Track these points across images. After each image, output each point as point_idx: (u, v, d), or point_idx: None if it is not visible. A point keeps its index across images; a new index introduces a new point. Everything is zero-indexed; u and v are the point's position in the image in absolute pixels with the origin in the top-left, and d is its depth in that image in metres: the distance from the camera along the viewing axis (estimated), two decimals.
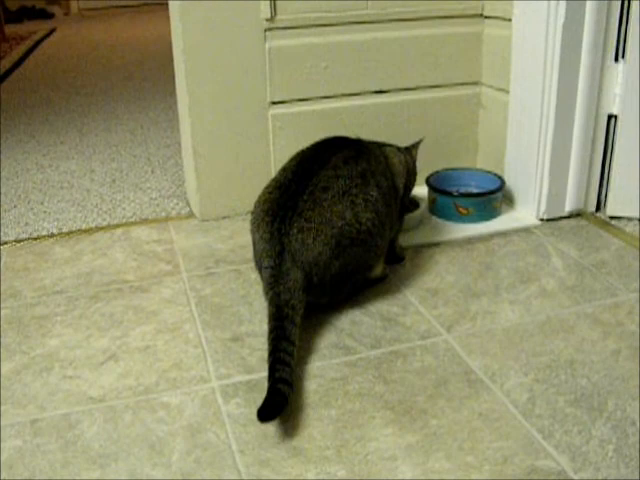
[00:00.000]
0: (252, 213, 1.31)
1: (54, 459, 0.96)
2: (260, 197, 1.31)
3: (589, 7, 1.49)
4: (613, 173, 1.62)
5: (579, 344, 1.17)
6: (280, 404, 0.99)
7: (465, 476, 0.90)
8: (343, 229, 1.22)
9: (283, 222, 1.21)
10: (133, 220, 1.75)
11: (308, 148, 1.37)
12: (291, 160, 1.36)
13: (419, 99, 1.79)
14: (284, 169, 1.33)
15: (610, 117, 1.60)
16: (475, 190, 1.71)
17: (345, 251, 1.22)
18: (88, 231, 1.69)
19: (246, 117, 1.66)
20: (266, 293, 1.19)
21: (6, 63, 4.26)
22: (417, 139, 1.55)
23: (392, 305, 1.31)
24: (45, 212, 1.82)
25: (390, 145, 1.48)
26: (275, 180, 1.31)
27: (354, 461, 0.93)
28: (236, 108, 1.65)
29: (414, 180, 1.53)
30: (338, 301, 1.30)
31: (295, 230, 1.20)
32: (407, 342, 1.20)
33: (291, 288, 1.17)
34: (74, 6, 7.18)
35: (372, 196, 1.26)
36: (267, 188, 1.31)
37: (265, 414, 0.97)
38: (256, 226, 1.27)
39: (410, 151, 1.52)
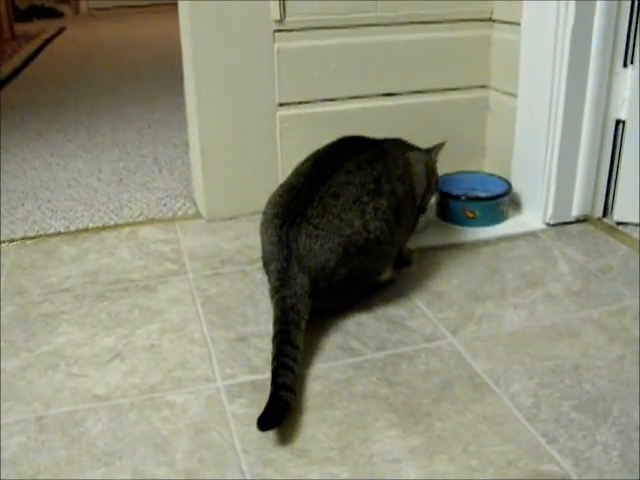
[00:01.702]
0: (263, 214, 1.31)
1: (58, 456, 0.96)
2: (271, 199, 1.31)
3: (598, 12, 1.48)
4: (620, 178, 1.62)
5: (584, 349, 1.17)
6: (281, 412, 0.99)
7: (469, 479, 0.90)
8: (351, 237, 1.21)
9: (292, 227, 1.21)
10: (140, 219, 1.75)
11: (324, 148, 1.37)
12: (305, 161, 1.35)
13: (427, 102, 1.79)
14: (297, 170, 1.33)
15: (618, 122, 1.60)
16: (482, 194, 1.70)
17: (352, 259, 1.22)
18: (95, 230, 1.70)
19: (254, 118, 1.66)
20: (272, 296, 1.19)
21: (15, 61, 4.27)
22: (439, 142, 1.53)
23: (398, 308, 1.31)
24: (52, 210, 1.82)
25: (417, 149, 1.47)
26: (287, 182, 1.31)
27: (358, 463, 0.93)
28: (244, 109, 1.66)
29: (436, 184, 1.54)
30: (344, 305, 1.30)
31: (303, 237, 1.20)
32: (412, 345, 1.20)
33: (297, 293, 1.17)
34: (83, 5, 7.21)
35: (383, 205, 1.25)
36: (279, 190, 1.31)
37: (266, 423, 0.97)
38: (265, 228, 1.27)
39: (430, 153, 1.51)
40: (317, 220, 1.21)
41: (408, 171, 1.38)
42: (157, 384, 1.11)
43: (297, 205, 1.23)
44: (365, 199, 1.24)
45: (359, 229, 1.22)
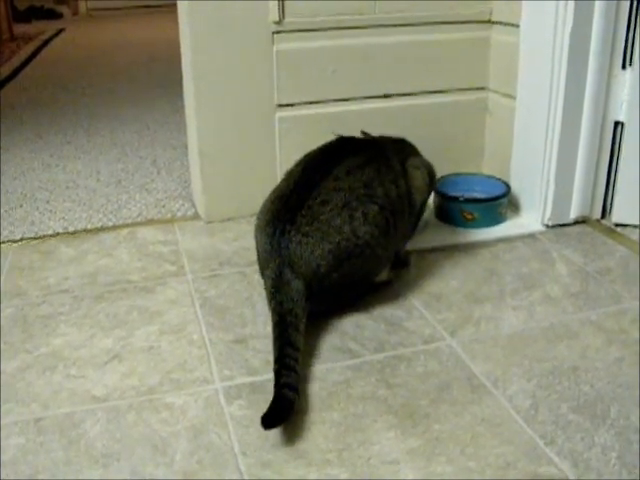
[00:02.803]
0: (256, 219, 1.32)
1: (57, 457, 0.96)
2: (263, 206, 1.31)
3: (597, 14, 1.49)
4: (619, 180, 1.62)
5: (583, 351, 1.17)
6: (285, 410, 0.99)
7: None
8: (340, 244, 1.22)
9: (282, 235, 1.21)
10: (139, 221, 1.75)
11: (316, 151, 1.37)
12: (297, 165, 1.35)
13: (426, 104, 1.79)
14: (288, 175, 1.33)
15: (617, 124, 1.60)
16: (480, 195, 1.70)
17: (343, 264, 1.23)
18: (93, 231, 1.70)
19: (253, 119, 1.66)
20: (269, 301, 1.20)
21: (14, 62, 4.27)
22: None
23: (396, 309, 1.31)
24: (51, 211, 1.82)
25: (416, 154, 1.48)
26: (278, 188, 1.31)
27: (356, 464, 0.93)
28: (243, 110, 1.66)
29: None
30: (341, 308, 1.30)
31: (294, 244, 1.20)
32: (411, 346, 1.20)
33: (293, 297, 1.17)
34: (82, 6, 7.21)
35: (373, 209, 1.25)
36: (270, 196, 1.31)
37: (269, 421, 0.97)
38: (259, 234, 1.28)
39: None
40: (306, 228, 1.21)
41: (406, 177, 1.37)
42: (155, 385, 1.11)
43: (287, 213, 1.23)
44: (354, 204, 1.24)
45: (348, 235, 1.22)
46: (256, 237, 1.30)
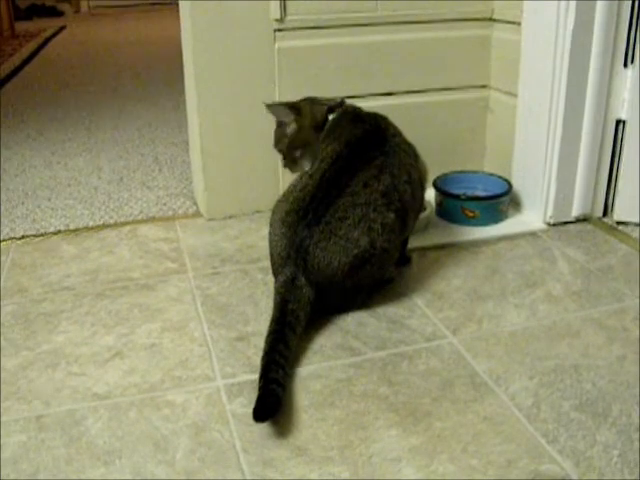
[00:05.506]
0: (270, 225, 1.30)
1: (58, 455, 0.96)
2: (278, 213, 1.29)
3: (599, 12, 1.48)
4: (620, 178, 1.62)
5: (584, 349, 1.17)
6: (275, 405, 1.00)
7: (469, 479, 0.90)
8: (357, 255, 1.22)
9: (300, 247, 1.22)
10: (140, 218, 1.75)
11: (330, 159, 1.30)
12: (313, 172, 1.30)
13: (428, 102, 1.79)
14: (304, 185, 1.28)
15: (618, 122, 1.59)
16: (482, 193, 1.70)
17: (358, 272, 1.24)
18: (95, 228, 1.70)
19: (254, 117, 1.66)
20: (275, 298, 1.20)
21: (15, 60, 4.27)
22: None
23: (398, 307, 1.31)
24: (52, 209, 1.82)
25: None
26: (294, 199, 1.27)
27: (358, 462, 0.93)
28: (245, 108, 1.65)
29: None
30: (349, 308, 1.30)
31: (310, 257, 1.21)
32: (412, 344, 1.20)
33: (300, 300, 1.19)
34: (84, 4, 7.21)
35: (390, 218, 1.25)
36: (285, 204, 1.28)
37: (260, 414, 0.98)
38: (275, 241, 1.27)
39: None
40: (324, 243, 1.21)
41: (420, 178, 1.37)
42: (157, 383, 1.11)
43: (304, 228, 1.22)
44: (372, 216, 1.23)
45: (366, 247, 1.22)
46: (270, 241, 1.29)
